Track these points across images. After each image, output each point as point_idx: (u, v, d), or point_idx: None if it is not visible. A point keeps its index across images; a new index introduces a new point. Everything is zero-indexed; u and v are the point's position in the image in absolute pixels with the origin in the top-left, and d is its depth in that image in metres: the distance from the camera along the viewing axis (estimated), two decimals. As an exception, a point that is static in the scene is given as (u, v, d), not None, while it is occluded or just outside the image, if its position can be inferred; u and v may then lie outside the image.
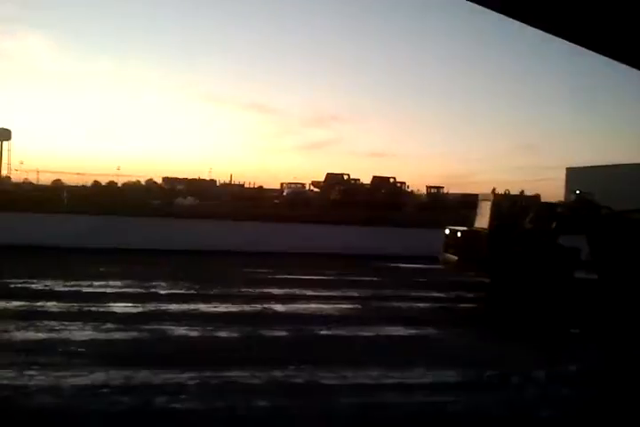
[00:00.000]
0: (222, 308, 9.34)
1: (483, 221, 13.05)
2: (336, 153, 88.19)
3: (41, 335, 7.17)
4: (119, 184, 55.16)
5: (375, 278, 13.33)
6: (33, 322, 7.69)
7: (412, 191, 48.89)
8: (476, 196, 14.94)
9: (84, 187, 48.75)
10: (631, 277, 9.92)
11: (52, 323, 7.71)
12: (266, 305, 9.60)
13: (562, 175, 42.40)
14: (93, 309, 8.75)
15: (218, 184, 57.48)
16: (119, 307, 9.01)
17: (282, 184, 49.68)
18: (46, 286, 10.49)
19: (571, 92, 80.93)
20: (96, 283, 10.94)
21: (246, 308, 9.39)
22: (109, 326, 7.78)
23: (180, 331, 7.70)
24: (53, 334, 7.22)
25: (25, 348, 6.59)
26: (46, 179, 59.47)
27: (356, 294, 11.11)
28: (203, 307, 9.28)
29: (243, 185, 54.62)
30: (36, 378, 5.60)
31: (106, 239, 16.50)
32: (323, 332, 8.04)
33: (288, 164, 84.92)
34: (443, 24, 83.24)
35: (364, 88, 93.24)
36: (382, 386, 5.89)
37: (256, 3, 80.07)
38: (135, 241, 16.88)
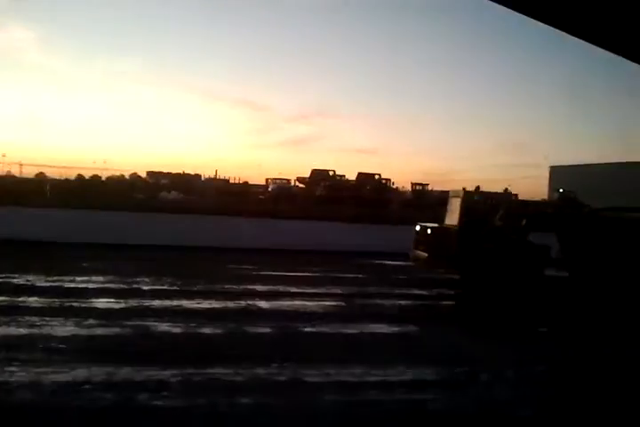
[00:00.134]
0: (206, 304, 9.30)
1: (453, 217, 13.12)
2: (321, 149, 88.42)
3: (22, 331, 7.09)
4: (103, 178, 54.67)
5: (360, 275, 13.37)
6: (14, 317, 7.60)
7: (397, 188, 49.18)
8: None
9: (66, 180, 48.20)
10: (603, 274, 10.03)
11: (34, 318, 7.63)
12: (250, 302, 9.59)
13: (546, 173, 43.11)
14: (75, 304, 8.67)
15: (202, 179, 57.35)
16: (101, 303, 8.95)
17: (267, 180, 49.57)
18: (28, 280, 10.38)
19: (557, 90, 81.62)
20: (78, 278, 10.85)
21: (230, 304, 9.37)
22: (91, 321, 7.71)
23: (163, 327, 7.67)
24: (35, 330, 7.15)
25: (6, 343, 6.53)
26: (29, 172, 58.88)
27: (340, 291, 11.13)
28: (186, 303, 9.25)
29: (228, 180, 54.57)
30: (17, 374, 5.55)
31: (88, 234, 16.39)
32: (306, 329, 8.04)
33: (273, 160, 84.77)
34: (426, 23, 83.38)
35: (350, 85, 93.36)
36: (365, 384, 5.93)
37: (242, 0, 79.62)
38: (118, 236, 16.79)
